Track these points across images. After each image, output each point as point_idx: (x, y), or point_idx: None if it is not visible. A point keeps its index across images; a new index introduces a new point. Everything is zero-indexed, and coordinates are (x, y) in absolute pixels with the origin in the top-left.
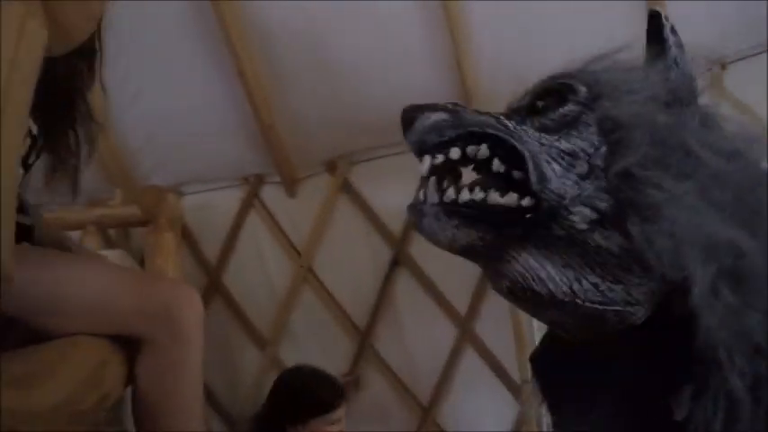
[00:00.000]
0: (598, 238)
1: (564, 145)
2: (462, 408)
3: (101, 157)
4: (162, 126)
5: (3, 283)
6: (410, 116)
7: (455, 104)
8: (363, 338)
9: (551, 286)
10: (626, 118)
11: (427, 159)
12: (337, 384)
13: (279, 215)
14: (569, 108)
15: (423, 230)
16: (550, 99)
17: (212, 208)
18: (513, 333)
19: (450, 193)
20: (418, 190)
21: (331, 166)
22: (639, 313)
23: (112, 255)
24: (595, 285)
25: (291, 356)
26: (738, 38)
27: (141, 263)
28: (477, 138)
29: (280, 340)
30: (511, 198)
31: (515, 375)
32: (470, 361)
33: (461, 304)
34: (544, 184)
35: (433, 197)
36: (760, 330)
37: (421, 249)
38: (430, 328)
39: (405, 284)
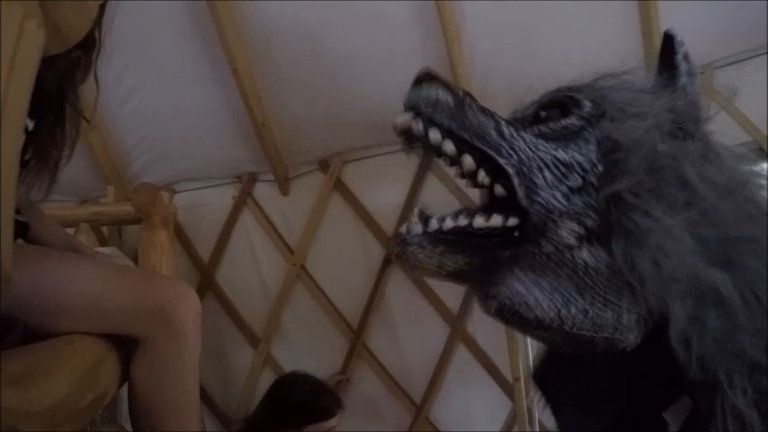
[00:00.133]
0: (586, 255)
1: (561, 154)
2: (454, 405)
3: (94, 155)
4: (155, 124)
5: (2, 284)
6: (424, 77)
7: (467, 95)
8: (356, 336)
9: (538, 312)
10: (626, 142)
11: (408, 117)
12: (334, 392)
13: (271, 213)
14: (572, 121)
15: (408, 260)
16: (554, 110)
17: (205, 206)
18: (505, 331)
19: (434, 223)
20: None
21: (324, 165)
22: (629, 340)
23: (106, 252)
24: (584, 312)
25: (284, 354)
26: (733, 40)
27: (135, 260)
28: (467, 144)
29: (272, 338)
30: (496, 220)
31: (507, 373)
32: (462, 359)
33: (453, 303)
34: (532, 198)
35: (417, 228)
36: (755, 349)
37: None
38: (422, 326)
39: (397, 283)
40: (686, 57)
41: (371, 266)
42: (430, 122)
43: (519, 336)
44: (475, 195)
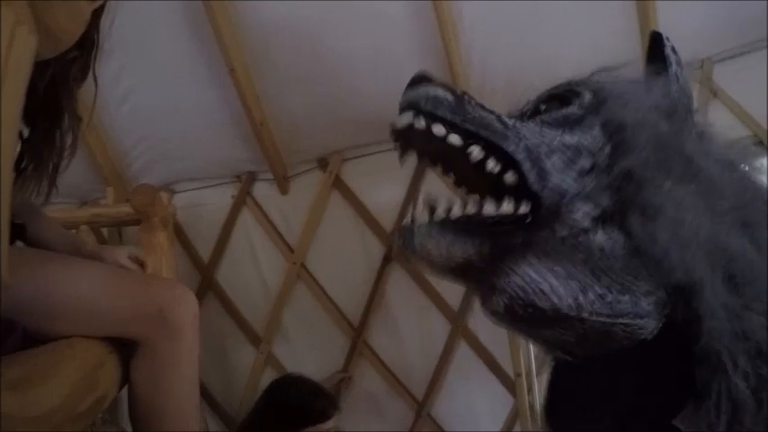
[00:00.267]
0: (601, 237)
1: (567, 139)
2: (456, 402)
3: (93, 157)
4: (153, 125)
5: (2, 291)
6: (420, 79)
7: (464, 93)
8: (357, 334)
9: (555, 300)
10: (630, 121)
11: (409, 115)
12: (331, 395)
13: (271, 212)
14: (572, 110)
15: (414, 252)
16: (554, 103)
17: (204, 206)
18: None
19: (440, 212)
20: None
21: (323, 163)
22: (649, 326)
23: (116, 248)
24: (602, 296)
25: (285, 353)
26: (729, 36)
27: None
28: (473, 136)
29: (273, 337)
30: (507, 207)
31: (509, 369)
32: (464, 355)
33: (454, 299)
34: (543, 183)
35: (423, 217)
36: (761, 332)
37: None
38: (423, 323)
39: (397, 280)
40: (673, 49)
41: (371, 264)
42: (432, 118)
43: None
44: None
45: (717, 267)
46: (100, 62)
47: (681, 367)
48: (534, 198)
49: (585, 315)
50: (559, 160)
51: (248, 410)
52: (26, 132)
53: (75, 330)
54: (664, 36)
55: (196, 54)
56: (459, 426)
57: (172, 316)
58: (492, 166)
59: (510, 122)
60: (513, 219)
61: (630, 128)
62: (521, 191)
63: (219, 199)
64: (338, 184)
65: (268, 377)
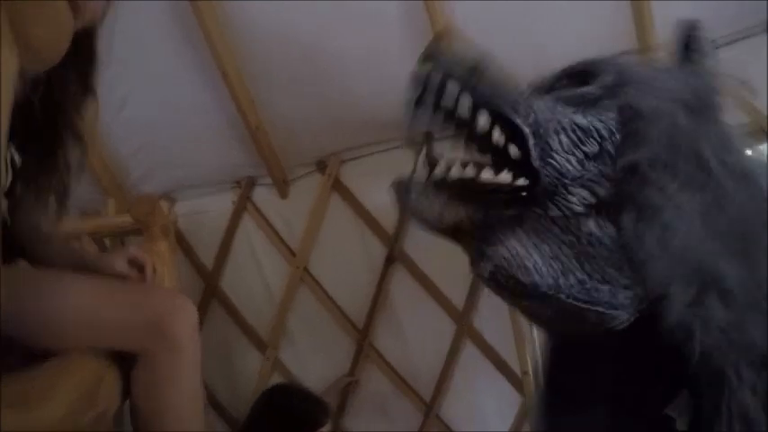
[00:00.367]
0: (592, 225)
1: (579, 119)
2: (465, 401)
3: (92, 168)
4: (150, 134)
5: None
6: (434, 50)
7: (484, 68)
8: (362, 337)
9: (536, 277)
10: (647, 110)
11: (428, 64)
12: (322, 402)
13: (272, 217)
14: (590, 89)
15: (408, 208)
16: (572, 80)
17: (205, 213)
18: (512, 325)
19: (440, 170)
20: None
21: (321, 166)
22: (621, 318)
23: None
24: (582, 282)
25: (291, 358)
26: (728, 22)
27: None
28: (483, 104)
29: (279, 342)
30: (505, 177)
31: (516, 367)
32: (470, 355)
33: (458, 298)
34: (546, 160)
35: (421, 175)
36: (763, 341)
37: (415, 245)
38: (428, 323)
39: (400, 281)
40: (706, 40)
41: (374, 265)
42: (448, 75)
43: (526, 329)
44: None
45: (693, 284)
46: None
47: (660, 359)
48: (534, 174)
49: (563, 297)
50: (567, 140)
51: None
52: (18, 158)
53: (74, 345)
54: (698, 24)
55: (189, 60)
56: (467, 426)
57: (170, 327)
58: (497, 136)
59: (525, 93)
60: (509, 190)
61: (646, 117)
62: (522, 165)
63: (220, 205)
64: (338, 186)
65: (275, 382)
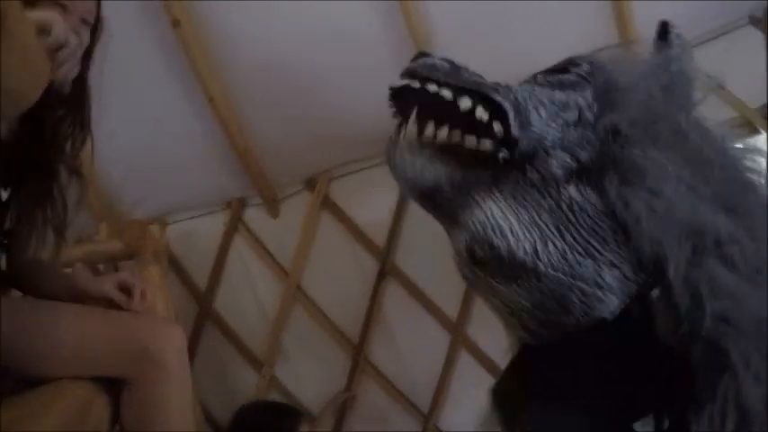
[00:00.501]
0: (573, 191)
1: (558, 95)
2: (463, 412)
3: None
4: (140, 160)
5: None
6: (420, 54)
7: (466, 68)
8: (357, 351)
9: (512, 241)
10: (623, 81)
11: (405, 80)
12: (295, 410)
13: (263, 236)
14: (569, 76)
15: (394, 164)
16: (552, 72)
17: (197, 235)
18: (507, 333)
19: (429, 131)
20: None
21: (310, 184)
22: (610, 303)
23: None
24: (562, 252)
25: (288, 376)
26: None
27: None
28: (466, 92)
29: (275, 360)
30: (486, 144)
31: None
32: (466, 364)
33: (452, 309)
34: (524, 130)
35: (412, 134)
36: None
37: (407, 258)
38: (422, 335)
39: (393, 294)
40: (679, 36)
41: (366, 280)
42: (427, 80)
43: None
44: None
45: (687, 242)
46: None
47: (648, 357)
48: (513, 145)
49: (542, 268)
50: (546, 112)
51: None
52: (5, 195)
53: (64, 372)
54: (670, 24)
55: (175, 86)
56: None
57: (157, 353)
58: (480, 113)
59: (503, 85)
60: (490, 155)
61: (623, 88)
62: (506, 139)
63: (212, 227)
64: (327, 203)
65: (272, 399)
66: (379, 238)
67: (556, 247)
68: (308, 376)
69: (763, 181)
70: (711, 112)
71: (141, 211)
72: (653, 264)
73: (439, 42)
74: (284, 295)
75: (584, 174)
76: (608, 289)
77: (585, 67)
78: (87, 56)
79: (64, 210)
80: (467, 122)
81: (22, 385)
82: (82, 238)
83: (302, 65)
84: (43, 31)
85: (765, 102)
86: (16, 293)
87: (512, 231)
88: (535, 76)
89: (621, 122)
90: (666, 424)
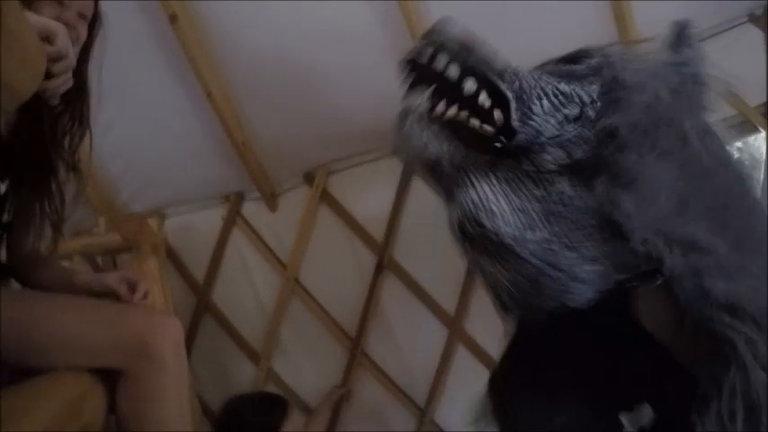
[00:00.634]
0: (564, 185)
1: (562, 86)
2: (459, 406)
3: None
4: (138, 153)
5: None
6: (435, 25)
7: (478, 46)
8: (354, 345)
9: (500, 223)
10: (630, 80)
11: (419, 44)
12: (281, 402)
13: (262, 230)
14: (579, 67)
15: (402, 132)
16: (564, 61)
17: (195, 228)
18: (504, 328)
19: (441, 106)
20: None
21: (309, 178)
22: (581, 294)
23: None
24: (546, 242)
25: (285, 369)
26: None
27: None
28: (471, 70)
29: (272, 354)
30: (487, 129)
31: None
32: (463, 359)
33: (449, 303)
34: (525, 121)
35: (424, 106)
36: None
37: (405, 252)
38: (420, 329)
39: (391, 288)
40: (693, 36)
41: (364, 274)
42: (440, 49)
43: None
44: None
45: (678, 248)
46: None
47: (641, 362)
48: (511, 134)
49: (525, 253)
50: (548, 104)
51: None
52: (2, 188)
53: (59, 364)
54: (688, 24)
55: (174, 80)
56: (463, 430)
57: (152, 345)
58: (483, 98)
59: (511, 67)
60: (489, 139)
61: (628, 87)
62: (504, 130)
63: (210, 221)
64: (326, 197)
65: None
66: (378, 233)
67: (540, 235)
68: (306, 369)
69: (760, 192)
70: (711, 110)
71: (139, 204)
72: (647, 259)
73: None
74: (282, 289)
75: (577, 170)
76: (582, 281)
77: (597, 59)
78: (86, 51)
79: (61, 205)
80: (472, 104)
81: (19, 376)
82: (80, 231)
83: (300, 60)
84: (46, 38)
85: (765, 100)
86: (15, 285)
87: (501, 215)
88: (546, 63)
89: (621, 125)
90: (654, 418)
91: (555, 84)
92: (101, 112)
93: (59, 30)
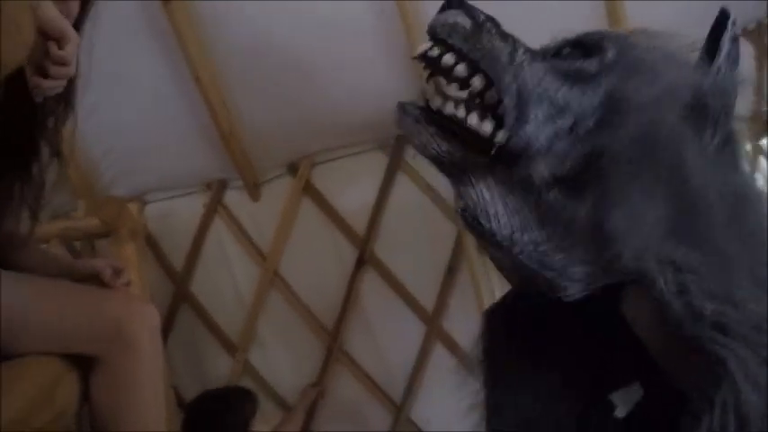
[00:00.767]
0: (554, 196)
1: (563, 93)
2: (435, 404)
3: (62, 169)
4: (121, 137)
5: None
6: (450, 4)
7: (488, 20)
8: (332, 339)
9: (494, 225)
10: (634, 98)
11: (428, 43)
12: (251, 397)
13: (243, 219)
14: (590, 63)
15: (402, 127)
16: (578, 50)
17: (176, 215)
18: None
19: (438, 101)
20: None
21: (292, 168)
22: (572, 291)
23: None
24: (536, 244)
25: (262, 361)
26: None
27: None
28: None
29: (249, 346)
30: (486, 127)
31: None
32: (441, 357)
33: (428, 300)
34: (519, 126)
35: (421, 101)
36: None
37: (386, 247)
38: (398, 326)
39: (371, 283)
40: (735, 39)
41: (345, 268)
42: (445, 46)
43: None
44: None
45: (669, 267)
46: None
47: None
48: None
49: (516, 252)
50: (543, 112)
51: None
52: None
53: (33, 348)
54: (731, 19)
55: (161, 63)
56: (438, 427)
57: (128, 331)
58: (490, 96)
59: (519, 59)
60: (487, 140)
61: (630, 107)
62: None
63: (191, 208)
64: (309, 188)
65: (245, 385)
66: (359, 226)
67: (532, 237)
68: (283, 362)
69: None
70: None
71: (121, 188)
72: (636, 272)
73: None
74: (261, 280)
75: (566, 182)
76: (572, 279)
77: (611, 55)
78: (76, 28)
79: (41, 188)
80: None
81: None
82: (59, 215)
83: (292, 50)
84: (58, 40)
85: (749, 114)
86: None
87: (496, 216)
88: (560, 49)
89: (611, 146)
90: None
91: (556, 89)
92: (86, 93)
93: (73, 38)
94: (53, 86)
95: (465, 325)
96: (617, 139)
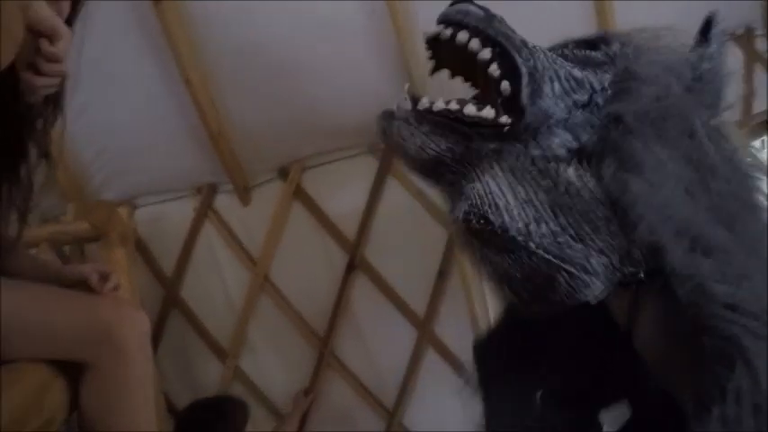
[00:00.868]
0: (572, 173)
1: (575, 72)
2: (427, 409)
3: (51, 173)
4: (111, 139)
5: None
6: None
7: (500, 19)
8: (323, 345)
9: (506, 218)
10: (642, 71)
11: (439, 27)
12: (240, 401)
13: (233, 224)
14: (596, 54)
15: (391, 136)
16: (583, 45)
17: (166, 219)
18: (473, 331)
19: (425, 101)
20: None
21: (283, 173)
22: (594, 288)
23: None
24: (554, 234)
25: (252, 367)
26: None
27: None
28: (491, 41)
29: (240, 351)
30: (488, 112)
31: None
32: (432, 362)
33: (419, 305)
34: (533, 101)
35: (406, 104)
36: None
37: (377, 252)
38: (389, 330)
39: (362, 288)
40: (723, 34)
41: (335, 273)
42: (459, 27)
43: None
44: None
45: (685, 239)
46: None
47: (623, 361)
48: (519, 112)
49: (532, 246)
50: (559, 87)
51: None
52: None
53: (22, 354)
54: (716, 19)
55: (151, 64)
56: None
57: (117, 336)
58: (494, 69)
59: (531, 43)
60: (492, 124)
61: (639, 78)
62: (510, 103)
63: (181, 212)
64: (299, 193)
65: (236, 392)
66: (350, 231)
67: (548, 227)
68: (273, 368)
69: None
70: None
71: (111, 192)
72: (649, 251)
73: (420, 39)
74: (251, 285)
75: (584, 157)
76: (594, 274)
77: (615, 47)
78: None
79: (29, 191)
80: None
81: None
82: (48, 219)
83: (283, 52)
84: (50, 37)
85: (738, 119)
86: None
87: (507, 208)
88: (566, 44)
89: (627, 113)
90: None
91: (569, 68)
92: (75, 94)
93: (65, 35)
94: (46, 84)
95: (456, 329)
96: (634, 102)
